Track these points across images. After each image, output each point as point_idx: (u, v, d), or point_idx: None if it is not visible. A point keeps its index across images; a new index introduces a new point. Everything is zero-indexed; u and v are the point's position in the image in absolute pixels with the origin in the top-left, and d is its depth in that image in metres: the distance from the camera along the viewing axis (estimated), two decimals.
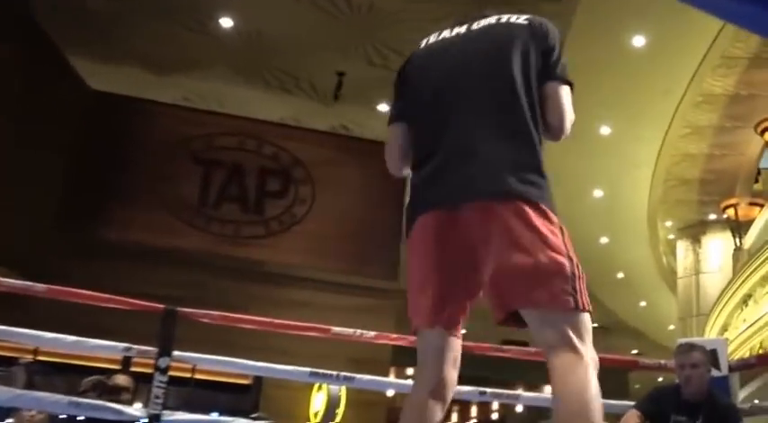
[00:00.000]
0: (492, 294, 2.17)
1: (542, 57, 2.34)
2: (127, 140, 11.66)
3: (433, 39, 2.53)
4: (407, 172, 2.52)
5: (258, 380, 10.92)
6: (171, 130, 11.89)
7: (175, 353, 4.41)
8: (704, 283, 16.39)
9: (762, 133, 13.55)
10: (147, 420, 4.25)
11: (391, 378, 11.18)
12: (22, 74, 9.70)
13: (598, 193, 15.13)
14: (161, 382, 4.31)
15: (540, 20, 2.41)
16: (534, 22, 2.39)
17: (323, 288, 11.64)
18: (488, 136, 2.22)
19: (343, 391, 9.70)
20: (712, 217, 16.49)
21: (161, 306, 4.53)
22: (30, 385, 6.62)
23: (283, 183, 12.23)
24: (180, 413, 4.49)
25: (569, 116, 2.37)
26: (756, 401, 5.33)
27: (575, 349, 2.04)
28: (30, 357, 9.52)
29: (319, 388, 10.00)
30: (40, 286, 4.41)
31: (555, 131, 2.37)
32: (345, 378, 4.78)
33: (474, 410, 29.99)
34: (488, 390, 4.78)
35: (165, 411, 4.28)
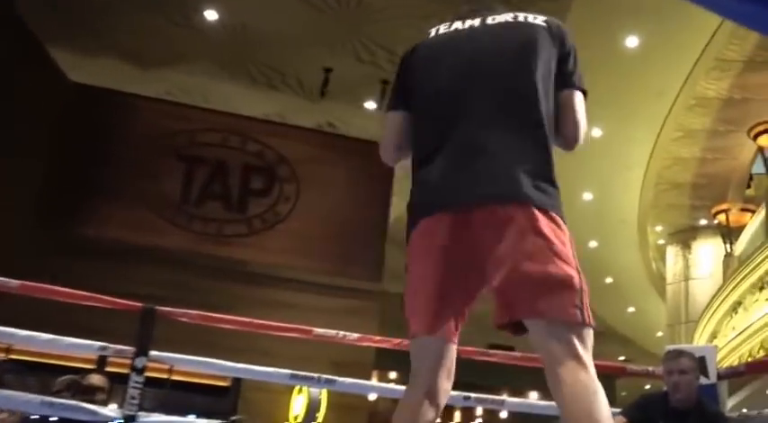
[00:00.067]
0: (499, 301, 2.15)
1: (559, 62, 2.33)
2: (108, 135, 11.60)
3: (443, 29, 2.49)
4: (401, 162, 2.50)
5: (237, 382, 10.87)
6: (153, 125, 11.83)
7: (152, 353, 4.39)
8: (694, 290, 16.47)
9: (755, 138, 13.62)
10: (122, 421, 4.22)
11: (374, 382, 11.18)
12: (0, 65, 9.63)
13: (587, 195, 15.18)
14: (137, 382, 4.29)
15: (557, 22, 2.40)
16: (552, 25, 2.37)
17: (306, 289, 11.61)
18: (503, 137, 2.19)
19: (324, 395, 9.67)
20: (703, 222, 16.57)
21: (139, 304, 4.51)
22: (1, 384, 6.57)
23: (267, 180, 12.20)
24: (156, 415, 4.47)
25: (584, 125, 2.37)
26: (745, 410, 5.34)
27: (581, 361, 2.03)
28: (1, 355, 9.45)
29: (300, 391, 9.96)
30: (14, 282, 4.38)
31: (570, 140, 2.37)
32: (327, 381, 4.77)
33: (458, 415, 30.02)
34: (473, 395, 4.77)
35: (140, 413, 4.25)
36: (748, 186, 16.82)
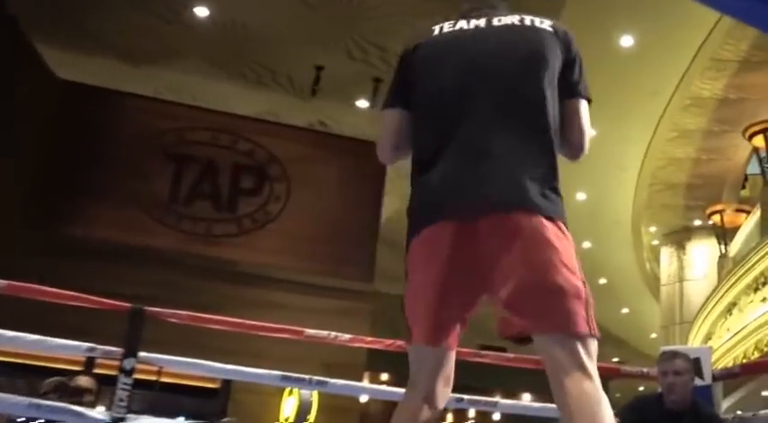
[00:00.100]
0: (506, 312, 2.15)
1: (565, 69, 2.33)
2: (96, 133, 11.57)
3: (447, 27, 2.46)
4: (397, 161, 2.48)
5: (226, 384, 10.84)
6: (142, 124, 11.80)
7: (141, 354, 4.38)
8: (688, 291, 16.51)
9: (750, 138, 13.66)
10: None
11: (365, 383, 11.17)
12: None
13: (581, 195, 15.20)
14: (126, 384, 4.27)
15: (564, 28, 2.39)
16: (559, 30, 2.36)
17: (297, 289, 11.60)
18: (508, 142, 2.17)
19: (315, 397, 9.66)
20: (698, 223, 16.61)
21: (127, 305, 4.49)
22: None
23: (258, 180, 12.18)
24: (144, 417, 4.46)
25: (588, 135, 2.37)
26: (739, 412, 5.35)
27: (586, 372, 2.04)
28: None
29: (290, 393, 9.95)
30: (1, 282, 4.36)
31: (575, 150, 2.37)
32: (318, 382, 4.76)
33: (450, 417, 30.04)
34: (465, 396, 4.77)
35: (129, 415, 4.24)
36: (743, 187, 16.87)
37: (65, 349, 4.71)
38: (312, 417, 9.71)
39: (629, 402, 4.67)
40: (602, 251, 17.17)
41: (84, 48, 11.72)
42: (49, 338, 4.38)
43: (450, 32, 2.43)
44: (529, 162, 2.15)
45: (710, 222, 16.15)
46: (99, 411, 4.40)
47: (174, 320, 4.67)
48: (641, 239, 17.42)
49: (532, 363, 5.05)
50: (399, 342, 4.98)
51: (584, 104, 2.37)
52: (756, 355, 11.17)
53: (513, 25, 2.37)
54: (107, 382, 5.08)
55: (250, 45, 11.69)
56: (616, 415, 4.45)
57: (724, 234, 15.75)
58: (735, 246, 15.11)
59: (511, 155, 2.15)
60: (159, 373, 6.68)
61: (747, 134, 13.60)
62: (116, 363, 4.36)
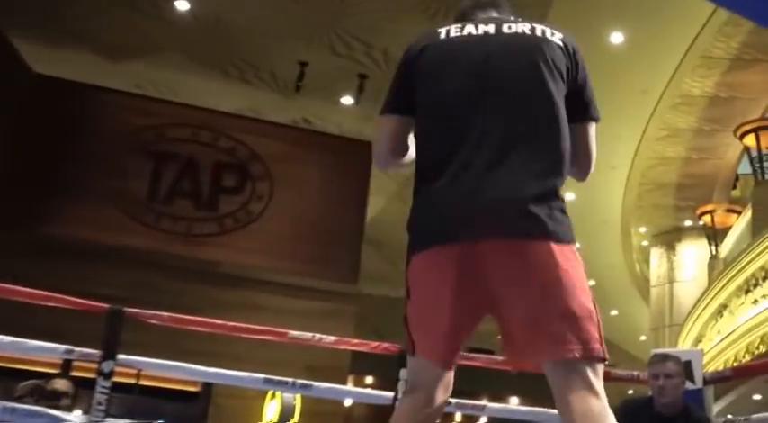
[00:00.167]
0: (516, 343, 2.15)
1: (575, 88, 2.31)
2: (73, 130, 11.49)
3: (454, 32, 2.39)
4: (395, 167, 2.46)
5: (207, 387, 10.80)
6: (120, 120, 11.74)
7: (120, 356, 4.36)
8: (678, 293, 16.59)
9: (741, 137, 13.75)
10: None
11: (349, 386, 11.17)
12: None
13: (569, 195, 15.24)
14: (104, 387, 4.25)
15: (572, 41, 2.37)
16: (569, 45, 2.34)
17: (279, 291, 11.57)
18: (519, 161, 2.14)
19: (298, 400, 9.66)
20: (688, 223, 16.70)
21: (105, 305, 4.47)
22: None
23: (240, 178, 12.14)
24: (123, 421, 4.44)
25: (595, 156, 2.39)
26: (730, 416, 5.39)
27: (594, 390, 2.05)
28: None
29: (273, 396, 9.94)
30: None
31: (584, 172, 2.39)
32: (302, 386, 4.76)
33: None
34: (453, 399, 4.77)
35: (107, 419, 4.23)
36: (734, 187, 16.98)
37: (41, 351, 4.69)
38: (295, 421, 9.70)
39: (618, 406, 4.68)
40: (590, 252, 17.21)
41: (60, 42, 11.66)
42: (25, 340, 4.36)
43: (457, 37, 2.38)
44: (538, 183, 2.12)
45: (701, 223, 16.24)
46: (76, 415, 4.38)
47: (154, 322, 4.66)
48: (630, 240, 17.49)
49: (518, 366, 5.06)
50: (385, 344, 4.98)
51: (592, 126, 2.37)
52: (748, 357, 11.23)
53: (523, 34, 2.33)
54: (84, 386, 5.05)
55: (232, 40, 11.67)
56: None
57: (715, 235, 15.83)
58: (725, 247, 15.19)
59: (518, 173, 2.12)
60: (138, 375, 6.65)
61: (738, 133, 13.68)
62: (94, 365, 4.34)
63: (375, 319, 17.68)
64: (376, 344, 5.01)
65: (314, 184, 12.21)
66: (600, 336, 2.10)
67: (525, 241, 2.08)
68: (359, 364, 13.07)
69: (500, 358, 5.30)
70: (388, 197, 14.59)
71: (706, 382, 4.89)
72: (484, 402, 5.39)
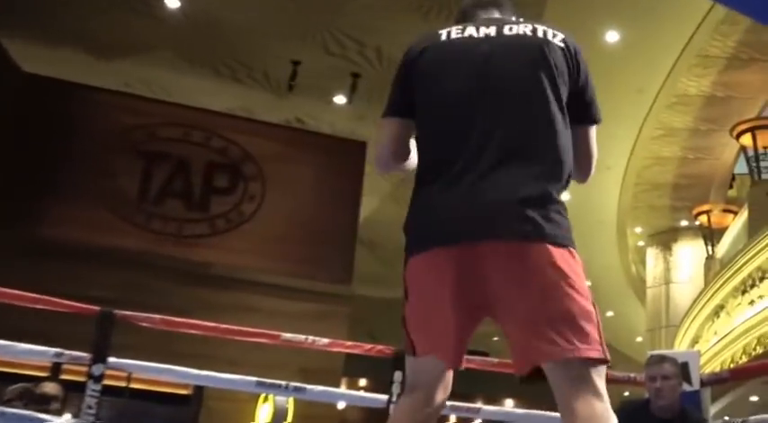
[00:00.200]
0: (517, 346, 2.15)
1: (576, 91, 2.32)
2: (63, 129, 11.46)
3: (455, 33, 2.39)
4: (396, 170, 2.46)
5: (199, 390, 10.78)
6: (111, 119, 11.71)
7: (111, 360, 4.35)
8: (674, 294, 16.61)
9: (737, 137, 13.77)
10: None
11: (343, 389, 11.16)
12: None
13: (564, 196, 15.26)
14: (94, 391, 4.24)
15: (575, 45, 2.36)
16: (571, 46, 2.34)
17: (272, 292, 11.55)
18: (518, 163, 2.15)
19: (290, 403, 9.64)
20: (684, 224, 16.72)
21: (96, 308, 4.46)
22: None
23: (232, 178, 12.12)
24: None
25: (596, 158, 2.41)
26: (727, 418, 5.39)
27: (597, 393, 2.06)
28: None
29: (265, 399, 9.92)
30: None
31: (585, 174, 2.42)
32: (295, 389, 4.75)
33: None
34: (447, 402, 4.76)
35: None
36: (730, 187, 17.01)
37: (31, 355, 4.67)
38: None
39: (615, 409, 4.68)
40: (586, 253, 17.01)
41: (50, 40, 11.63)
42: (14, 343, 4.35)
43: (458, 39, 2.38)
44: (536, 183, 2.13)
45: (697, 223, 16.26)
46: (66, 419, 4.37)
47: (145, 324, 4.64)
48: (626, 241, 17.51)
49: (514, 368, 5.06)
50: (379, 347, 4.98)
51: (592, 129, 2.38)
52: (745, 359, 11.25)
53: (524, 35, 2.33)
54: (74, 389, 5.04)
55: (224, 39, 11.65)
56: None
57: (711, 235, 15.86)
58: (722, 247, 15.21)
59: (517, 175, 2.14)
60: (129, 379, 6.64)
61: (735, 133, 13.70)
62: (84, 369, 4.32)
63: (369, 320, 17.67)
64: (370, 346, 5.01)
65: (307, 184, 12.20)
66: (600, 337, 2.10)
67: (523, 244, 2.08)
68: (352, 367, 13.05)
69: (496, 360, 5.31)
70: (381, 197, 14.59)
71: (703, 384, 4.89)
72: (479, 405, 5.38)
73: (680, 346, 13.71)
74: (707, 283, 14.04)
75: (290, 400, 9.38)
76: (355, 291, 12.45)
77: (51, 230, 10.85)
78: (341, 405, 13.22)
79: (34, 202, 11.00)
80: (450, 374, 2.30)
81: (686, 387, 4.64)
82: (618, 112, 12.77)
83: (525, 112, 2.22)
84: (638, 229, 17.24)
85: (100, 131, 11.59)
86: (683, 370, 4.63)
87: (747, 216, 13.52)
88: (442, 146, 2.25)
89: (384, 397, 4.78)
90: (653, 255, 17.34)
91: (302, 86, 12.42)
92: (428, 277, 2.20)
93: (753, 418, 4.66)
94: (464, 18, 2.49)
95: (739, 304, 11.87)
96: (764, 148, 13.79)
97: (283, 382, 4.71)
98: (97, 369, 4.27)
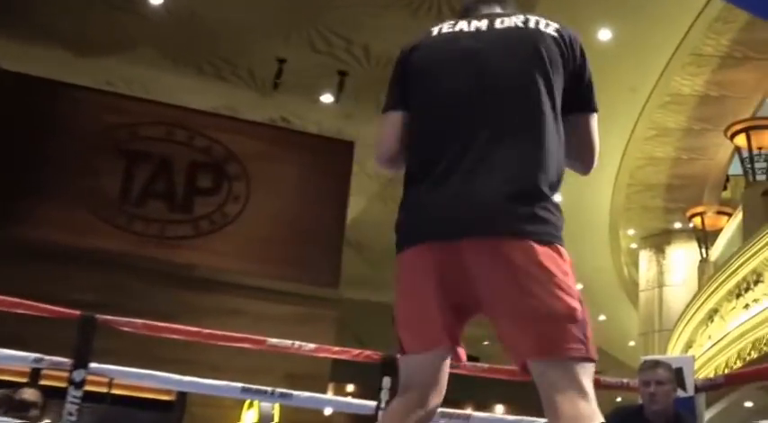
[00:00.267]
0: (506, 343, 2.17)
1: (572, 79, 2.32)
2: (42, 128, 11.42)
3: (446, 28, 2.41)
4: (398, 166, 2.44)
5: (182, 396, 10.77)
6: (91, 118, 11.68)
7: (92, 365, 4.34)
8: (667, 297, 16.64)
9: (732, 137, 13.81)
10: None
11: (330, 395, 11.14)
12: None
13: (555, 197, 15.29)
14: (75, 397, 4.23)
15: (570, 32, 2.37)
16: (565, 36, 2.34)
17: (257, 295, 11.55)
18: (502, 156, 2.16)
19: (276, 409, 9.63)
20: (678, 226, 16.75)
21: (77, 312, 4.44)
22: None
23: (215, 178, 12.11)
24: None
25: (598, 148, 2.39)
26: None
27: (583, 394, 2.06)
28: None
29: (250, 405, 9.91)
30: None
31: (587, 164, 2.41)
32: (282, 395, 4.75)
33: None
34: (437, 409, 4.76)
35: None
36: (724, 188, 17.06)
37: (10, 360, 4.66)
38: None
39: (608, 414, 4.69)
40: (577, 255, 17.01)
41: (29, 37, 11.57)
42: None
43: (448, 34, 2.40)
44: (523, 179, 2.14)
45: (691, 225, 16.30)
46: None
47: (127, 329, 4.63)
48: (619, 243, 17.54)
49: (506, 373, 5.08)
50: (367, 352, 4.98)
51: (592, 118, 2.37)
52: (739, 364, 11.29)
53: (516, 28, 2.34)
54: (54, 395, 5.02)
55: (208, 36, 11.62)
56: None
57: (705, 237, 15.90)
58: (716, 250, 15.26)
59: (502, 171, 2.14)
60: (110, 384, 6.62)
61: (729, 133, 13.74)
62: (65, 374, 4.31)
63: (356, 324, 17.66)
64: (358, 351, 5.01)
65: (292, 184, 12.19)
66: (585, 335, 2.10)
67: (506, 240, 2.10)
68: (340, 372, 13.06)
69: (486, 366, 5.31)
70: (369, 198, 14.57)
71: (697, 389, 4.90)
72: (469, 411, 5.39)
73: (673, 351, 13.75)
74: (701, 286, 14.08)
75: (276, 406, 9.38)
76: (342, 294, 12.45)
77: (33, 231, 10.82)
78: (328, 411, 13.19)
79: (13, 202, 10.96)
80: (444, 377, 2.30)
81: (680, 393, 4.66)
82: (610, 111, 12.78)
83: (512, 108, 2.22)
84: (631, 231, 17.27)
85: (81, 130, 11.56)
86: (678, 375, 4.65)
87: (742, 218, 13.57)
88: (429, 145, 2.26)
89: (372, 403, 4.78)
90: (646, 257, 17.37)
91: (288, 85, 12.40)
92: (414, 275, 2.22)
93: None
94: (465, 14, 2.49)
95: (734, 308, 11.91)
96: (759, 148, 13.84)
97: (269, 388, 4.70)
98: (78, 375, 4.26)
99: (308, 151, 12.39)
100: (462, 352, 2.30)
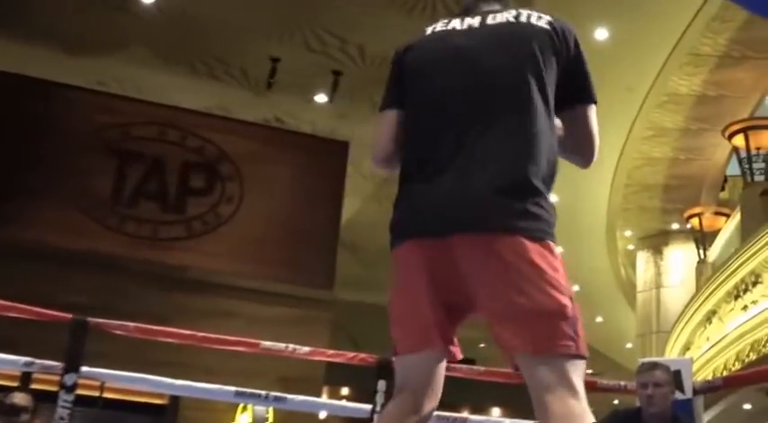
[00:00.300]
0: (495, 341, 2.17)
1: (567, 71, 2.31)
2: (33, 128, 11.39)
3: (439, 27, 2.44)
4: (393, 166, 2.45)
5: (175, 400, 10.75)
6: (83, 118, 11.66)
7: (84, 369, 4.32)
8: (665, 298, 16.67)
9: (730, 137, 13.83)
10: None
11: (324, 399, 11.15)
12: None
13: (553, 197, 15.24)
14: (66, 401, 4.21)
15: (563, 25, 2.36)
16: (557, 29, 2.33)
17: (250, 297, 11.54)
18: (492, 152, 2.17)
19: (270, 413, 9.63)
20: (675, 226, 16.78)
21: (69, 316, 4.43)
22: None
23: (208, 179, 12.09)
24: None
25: (597, 140, 2.37)
26: None
27: (573, 392, 2.06)
28: None
29: (244, 409, 9.90)
30: None
31: (587, 157, 2.39)
32: (276, 398, 4.74)
33: None
34: (434, 412, 4.76)
35: None
36: (722, 189, 17.09)
37: (0, 364, 4.64)
38: None
39: (605, 417, 4.70)
40: (574, 256, 17.26)
41: (20, 36, 11.55)
42: None
43: (442, 32, 2.42)
44: (513, 173, 2.14)
45: (688, 226, 16.32)
46: None
47: (119, 332, 4.62)
48: (616, 244, 17.56)
49: (502, 376, 5.08)
50: (362, 355, 4.98)
51: (591, 109, 2.35)
52: (738, 366, 11.30)
53: (507, 23, 2.35)
54: (45, 399, 5.01)
55: (200, 35, 11.61)
56: None
57: (703, 238, 15.92)
58: (714, 251, 15.28)
59: (494, 166, 2.15)
60: (102, 388, 6.62)
61: (727, 133, 13.76)
62: (56, 377, 4.30)
63: (351, 326, 17.66)
64: (353, 355, 5.00)
65: (286, 184, 12.19)
66: (576, 332, 2.10)
67: (495, 236, 2.10)
68: (334, 375, 13.04)
69: (482, 369, 5.31)
70: (363, 198, 14.57)
71: (696, 392, 4.91)
72: (465, 414, 5.39)
73: (671, 353, 13.76)
74: (699, 287, 14.10)
75: (270, 409, 9.37)
76: (337, 295, 12.45)
77: (23, 232, 10.79)
78: (322, 415, 13.20)
79: (4, 203, 10.93)
80: (439, 380, 2.29)
81: (678, 395, 4.66)
82: (607, 111, 12.76)
83: (504, 104, 2.23)
84: (628, 232, 17.29)
85: (73, 130, 11.54)
86: (676, 378, 4.65)
87: (740, 219, 13.59)
88: (423, 143, 2.28)
89: (367, 407, 4.78)
90: (643, 258, 17.39)
91: (281, 84, 12.40)
92: (406, 272, 2.24)
93: None
94: (465, 12, 2.49)
95: (732, 309, 11.92)
96: (757, 149, 13.87)
97: (263, 392, 4.69)
98: (69, 379, 4.25)
99: (302, 151, 12.38)
100: (457, 351, 2.29)
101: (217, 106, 12.89)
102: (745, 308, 11.53)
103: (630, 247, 17.78)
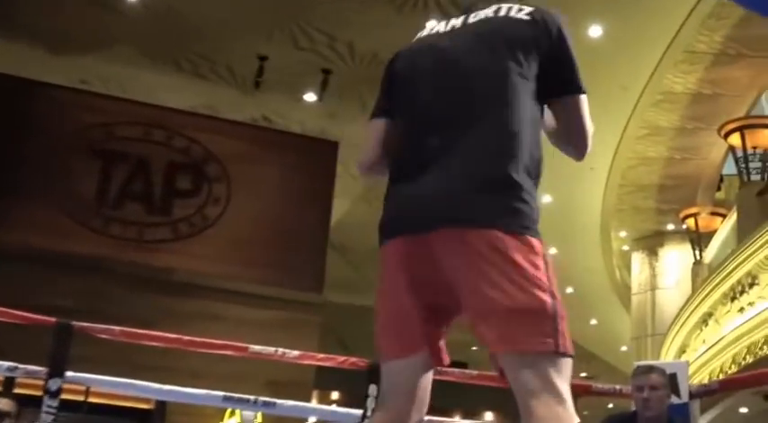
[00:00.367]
0: (480, 338, 2.16)
1: (551, 62, 2.31)
2: (15, 128, 11.38)
3: (425, 32, 2.50)
4: (378, 172, 2.49)
5: (161, 404, 10.72)
6: (66, 117, 11.64)
7: (68, 374, 4.32)
8: (660, 300, 16.69)
9: (726, 136, 13.86)
10: None
11: (314, 404, 11.14)
12: None
13: (546, 198, 15.32)
14: (51, 406, 4.21)
15: (545, 14, 2.35)
16: (538, 19, 2.33)
17: (238, 300, 11.52)
18: (470, 149, 2.19)
19: (258, 418, 9.62)
20: (670, 227, 16.81)
21: (53, 320, 4.43)
22: None
23: (195, 180, 12.09)
24: None
25: (591, 130, 2.37)
26: None
27: (556, 393, 2.05)
28: None
29: (231, 414, 9.89)
30: None
31: (580, 149, 2.40)
32: (264, 404, 4.74)
33: None
34: (425, 417, 4.77)
35: None
36: (718, 188, 17.12)
37: None
38: None
39: (600, 422, 4.72)
40: (568, 258, 17.30)
41: (2, 34, 11.52)
42: None
43: (426, 37, 2.48)
44: (492, 167, 2.16)
45: (684, 226, 16.35)
46: None
47: (104, 336, 4.62)
48: (610, 245, 17.58)
49: (495, 380, 5.08)
50: (352, 359, 4.98)
51: (580, 99, 2.35)
52: (734, 369, 11.32)
53: (486, 19, 2.37)
54: (29, 404, 5.00)
55: (186, 32, 11.59)
56: None
57: (698, 239, 15.94)
58: (710, 252, 15.30)
59: (473, 164, 2.17)
60: (87, 393, 6.59)
61: (723, 132, 13.79)
62: (40, 383, 4.29)
63: (340, 328, 17.65)
64: (343, 358, 5.01)
65: (274, 185, 12.18)
66: (557, 329, 2.09)
67: (472, 230, 2.11)
68: (324, 379, 13.03)
69: (475, 373, 5.32)
70: (353, 199, 14.56)
71: (692, 395, 4.93)
72: (457, 419, 5.40)
73: (667, 356, 13.78)
74: (694, 289, 14.12)
75: (258, 414, 9.36)
76: (326, 297, 12.44)
77: (6, 235, 10.76)
78: (312, 420, 13.18)
79: None
80: (425, 390, 2.29)
81: (674, 399, 4.67)
82: (601, 110, 12.82)
83: (484, 102, 2.24)
84: (623, 233, 17.32)
85: (56, 130, 11.53)
86: (672, 381, 4.66)
87: (736, 219, 13.62)
88: (408, 146, 2.32)
89: (358, 411, 4.78)
90: (638, 260, 17.42)
91: (269, 83, 12.39)
92: (389, 271, 2.26)
93: None
94: (464, 12, 2.51)
95: (728, 311, 11.94)
96: (754, 148, 13.89)
97: (252, 397, 4.70)
98: (54, 383, 4.24)
99: (290, 152, 12.38)
100: (445, 356, 2.29)
101: (203, 105, 12.87)
102: (741, 310, 11.55)
103: (625, 247, 17.80)
